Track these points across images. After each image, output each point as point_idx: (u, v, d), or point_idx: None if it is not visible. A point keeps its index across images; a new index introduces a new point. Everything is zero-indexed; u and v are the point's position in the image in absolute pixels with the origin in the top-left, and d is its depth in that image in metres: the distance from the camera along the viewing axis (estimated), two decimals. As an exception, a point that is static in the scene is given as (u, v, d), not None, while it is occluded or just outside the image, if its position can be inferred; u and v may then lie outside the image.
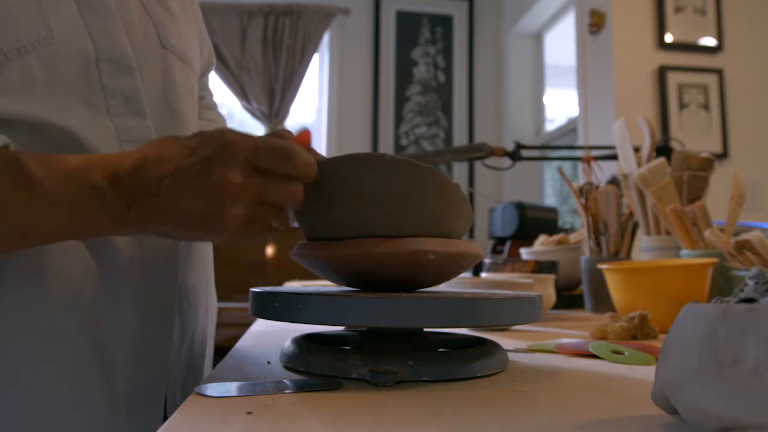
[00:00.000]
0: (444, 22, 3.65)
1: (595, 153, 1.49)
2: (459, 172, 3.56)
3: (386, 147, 3.48)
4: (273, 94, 3.42)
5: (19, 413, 0.48)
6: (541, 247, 1.40)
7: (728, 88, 2.46)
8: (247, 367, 0.52)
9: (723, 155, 2.41)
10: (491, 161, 1.50)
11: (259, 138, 0.45)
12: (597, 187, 1.20)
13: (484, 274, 1.15)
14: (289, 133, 0.51)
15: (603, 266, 0.96)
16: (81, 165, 0.44)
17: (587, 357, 0.58)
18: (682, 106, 2.42)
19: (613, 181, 1.30)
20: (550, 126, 3.48)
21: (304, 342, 0.51)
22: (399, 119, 3.54)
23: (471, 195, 3.41)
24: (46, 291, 0.49)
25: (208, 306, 0.70)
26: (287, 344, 0.52)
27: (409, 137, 3.53)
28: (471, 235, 3.38)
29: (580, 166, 1.47)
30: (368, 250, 0.48)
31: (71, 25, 0.51)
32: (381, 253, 0.48)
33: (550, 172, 3.49)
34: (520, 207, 2.05)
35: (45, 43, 0.48)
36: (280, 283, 1.67)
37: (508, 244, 2.07)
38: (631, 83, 2.41)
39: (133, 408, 0.54)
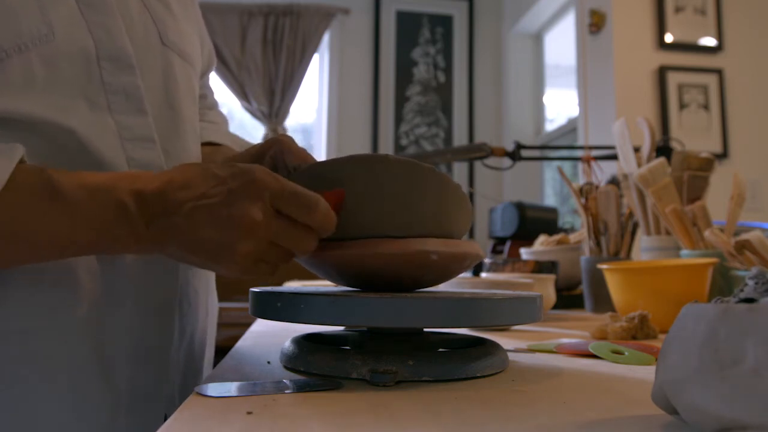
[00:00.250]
0: (444, 22, 3.65)
1: (595, 153, 1.49)
2: (459, 172, 3.56)
3: (386, 147, 3.48)
4: (273, 94, 3.42)
5: (19, 413, 0.48)
6: (541, 247, 1.40)
7: (728, 88, 2.46)
8: (247, 367, 0.52)
9: (723, 155, 2.41)
10: (491, 161, 1.50)
11: (287, 182, 0.46)
12: (597, 187, 1.20)
13: (484, 274, 1.15)
14: (291, 140, 0.51)
15: (603, 266, 0.96)
16: (108, 181, 0.44)
17: (587, 357, 0.58)
18: (682, 106, 2.42)
19: (613, 181, 1.30)
20: (550, 126, 3.48)
21: (304, 342, 0.51)
22: (399, 119, 3.54)
23: (471, 195, 3.41)
24: (47, 291, 0.49)
25: (209, 306, 0.70)
26: (287, 344, 0.52)
27: (409, 137, 3.53)
28: (471, 235, 3.38)
29: (580, 166, 1.47)
30: (372, 251, 0.48)
31: (71, 23, 0.51)
32: (384, 253, 0.48)
33: (550, 172, 3.49)
34: (520, 207, 2.05)
35: (45, 40, 0.48)
36: (280, 283, 1.67)
37: (508, 244, 2.07)
38: (631, 83, 2.41)
39: (133, 408, 0.54)
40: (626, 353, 0.58)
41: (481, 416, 0.36)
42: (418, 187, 0.49)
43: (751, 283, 0.34)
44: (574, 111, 2.96)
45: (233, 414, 0.35)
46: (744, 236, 0.90)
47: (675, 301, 0.79)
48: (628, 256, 1.18)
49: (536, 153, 2.39)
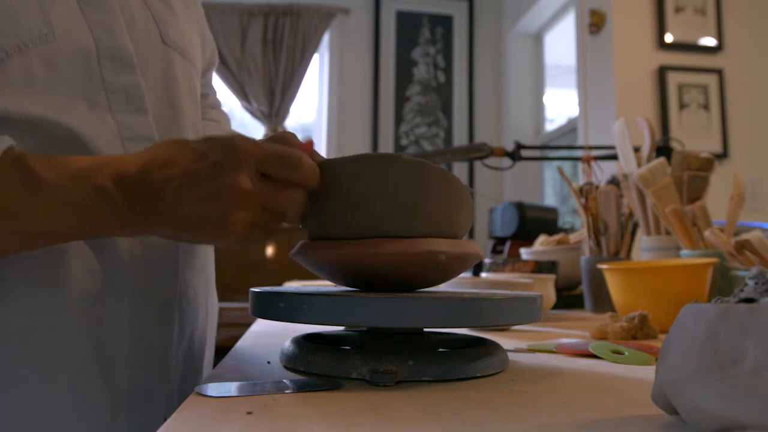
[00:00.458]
0: (444, 22, 3.65)
1: (595, 153, 1.49)
2: (459, 172, 3.56)
3: (386, 147, 3.48)
4: (273, 94, 3.42)
5: (19, 413, 0.48)
6: (541, 247, 1.40)
7: (728, 88, 2.46)
8: (247, 367, 0.52)
9: (723, 155, 2.41)
10: (491, 161, 1.50)
11: (267, 145, 0.46)
12: (597, 187, 1.20)
13: (484, 274, 1.15)
14: (294, 136, 0.51)
15: (603, 266, 0.96)
16: (88, 166, 0.44)
17: (587, 357, 0.58)
18: (682, 106, 2.42)
19: (613, 181, 1.30)
20: (550, 126, 3.48)
21: (304, 342, 0.51)
22: (399, 119, 3.54)
23: (471, 195, 3.40)
24: (47, 290, 0.49)
25: (209, 306, 0.70)
26: (287, 344, 0.52)
27: (409, 137, 3.53)
28: (471, 235, 3.38)
29: (580, 166, 1.47)
30: (380, 250, 0.48)
31: (72, 22, 0.51)
32: (394, 253, 0.48)
33: (550, 172, 3.49)
34: (520, 207, 2.05)
35: (46, 39, 0.48)
36: (279, 283, 1.67)
37: (508, 244, 2.07)
38: (631, 83, 2.41)
39: (133, 407, 0.54)
40: (626, 353, 0.58)
41: (481, 416, 0.36)
42: (428, 188, 0.49)
43: (751, 283, 0.34)
44: (574, 111, 2.96)
45: (233, 414, 0.35)
46: (744, 236, 0.90)
47: (675, 301, 0.79)
48: (628, 256, 1.18)
49: (536, 153, 2.39)
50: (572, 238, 1.38)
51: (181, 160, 0.44)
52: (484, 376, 0.47)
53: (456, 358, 0.46)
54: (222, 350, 0.65)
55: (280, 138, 0.50)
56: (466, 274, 1.54)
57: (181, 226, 0.45)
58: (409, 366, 0.44)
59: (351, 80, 3.54)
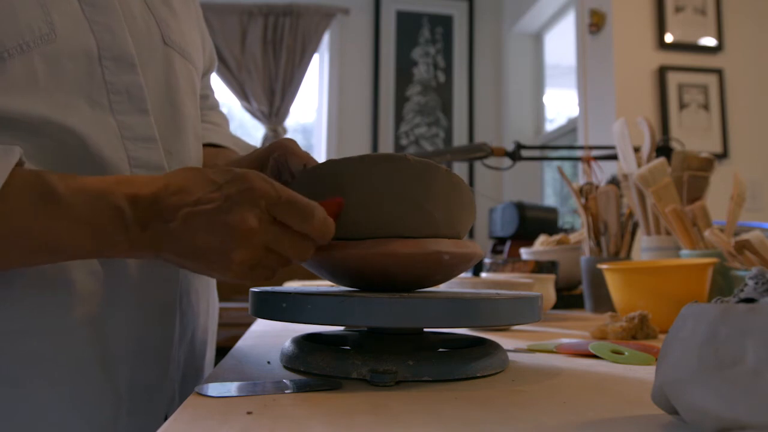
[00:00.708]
0: (444, 22, 3.65)
1: (595, 153, 1.49)
2: (459, 172, 3.56)
3: (386, 147, 3.48)
4: (273, 94, 3.42)
5: (20, 412, 0.48)
6: (541, 247, 1.40)
7: (728, 88, 2.46)
8: (247, 367, 0.52)
9: (723, 155, 2.41)
10: (491, 161, 1.50)
11: (284, 190, 0.46)
12: (597, 187, 1.20)
13: (484, 274, 1.15)
14: (295, 143, 0.51)
15: (603, 266, 0.96)
16: (105, 185, 0.44)
17: (587, 357, 0.58)
18: (682, 106, 2.42)
19: (613, 181, 1.30)
20: (550, 126, 3.48)
21: (304, 342, 0.51)
22: (399, 119, 3.54)
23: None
24: (48, 291, 0.49)
25: (209, 306, 0.70)
26: (287, 344, 0.52)
27: (409, 137, 3.53)
28: (471, 235, 3.38)
29: (580, 166, 1.47)
30: (387, 251, 0.48)
31: (73, 22, 0.51)
32: (400, 253, 0.48)
33: (550, 172, 3.49)
34: (520, 207, 2.05)
35: (47, 39, 0.48)
36: (279, 283, 1.66)
37: (508, 244, 2.07)
38: (631, 83, 2.41)
39: (133, 407, 0.54)
40: (626, 353, 0.58)
41: (481, 416, 0.36)
42: (433, 188, 0.49)
43: (751, 283, 0.34)
44: (574, 111, 2.96)
45: (233, 414, 0.35)
46: (744, 236, 0.90)
47: (675, 301, 0.79)
48: (628, 256, 1.18)
49: (536, 153, 2.39)
50: (572, 238, 1.38)
51: (196, 190, 0.44)
52: (484, 376, 0.47)
53: (456, 358, 0.46)
54: (222, 350, 0.65)
55: (296, 154, 0.51)
56: (466, 274, 1.54)
57: (186, 253, 0.45)
58: (409, 366, 0.44)
59: (351, 80, 3.54)
